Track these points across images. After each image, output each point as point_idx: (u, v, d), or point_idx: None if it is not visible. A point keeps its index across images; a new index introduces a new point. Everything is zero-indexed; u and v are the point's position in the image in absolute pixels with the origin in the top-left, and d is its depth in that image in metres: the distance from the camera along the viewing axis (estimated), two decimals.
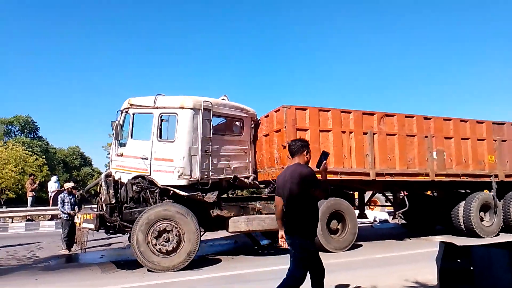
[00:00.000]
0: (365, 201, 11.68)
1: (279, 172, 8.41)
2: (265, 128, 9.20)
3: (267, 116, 9.22)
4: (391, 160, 9.37)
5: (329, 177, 8.64)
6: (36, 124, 53.36)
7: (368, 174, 9.07)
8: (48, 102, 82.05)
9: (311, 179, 3.86)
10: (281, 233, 4.08)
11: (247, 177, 8.87)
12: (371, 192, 11.85)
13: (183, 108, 7.82)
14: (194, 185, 7.80)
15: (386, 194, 11.63)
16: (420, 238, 10.74)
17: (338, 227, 8.96)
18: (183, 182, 7.67)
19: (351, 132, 9.04)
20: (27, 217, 16.88)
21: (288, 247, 4.02)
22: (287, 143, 8.20)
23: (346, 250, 8.76)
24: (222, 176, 8.32)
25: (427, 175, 9.68)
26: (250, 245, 9.80)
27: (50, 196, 18.85)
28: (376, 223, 14.97)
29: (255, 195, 9.84)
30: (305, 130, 8.59)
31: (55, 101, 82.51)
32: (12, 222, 16.37)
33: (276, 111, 8.82)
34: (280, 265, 7.66)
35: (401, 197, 10.65)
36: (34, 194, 18.62)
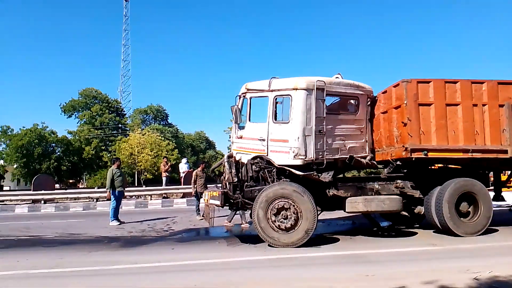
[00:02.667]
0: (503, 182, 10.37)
1: (399, 152, 8.02)
2: (383, 105, 8.74)
3: (385, 92, 8.73)
4: None
5: (458, 155, 7.95)
6: (166, 112, 59.43)
7: (505, 152, 8.01)
8: (175, 91, 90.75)
9: None
10: None
11: (364, 157, 8.60)
12: (510, 171, 10.47)
13: (296, 89, 7.88)
14: (310, 165, 7.87)
15: None
16: None
17: (469, 210, 8.15)
18: (298, 162, 7.79)
19: (484, 105, 8.04)
20: (163, 195, 19.10)
21: None
22: (408, 119, 7.79)
23: (478, 235, 7.95)
24: (337, 156, 8.22)
25: None
26: (369, 226, 9.55)
27: (181, 176, 21.00)
28: None
29: (373, 175, 9.49)
30: (429, 105, 7.93)
31: (181, 90, 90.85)
32: (151, 199, 18.70)
33: (394, 86, 8.30)
34: (402, 247, 7.44)
35: None
36: (167, 174, 20.94)
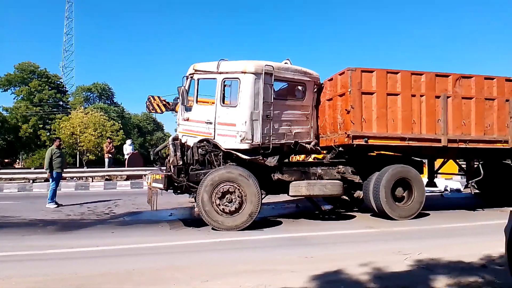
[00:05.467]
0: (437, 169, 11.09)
1: (342, 138, 8.28)
2: (329, 92, 8.94)
3: (331, 79, 8.93)
4: (466, 126, 8.70)
5: (396, 143, 8.35)
6: (112, 91, 56.91)
7: (439, 141, 8.54)
8: (122, 69, 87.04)
9: None
10: None
11: (309, 143, 8.80)
12: (443, 159, 11.21)
13: (245, 73, 7.83)
14: (256, 149, 7.92)
15: (459, 162, 10.94)
16: (495, 209, 10.03)
17: (404, 194, 8.65)
18: (245, 146, 7.81)
19: (422, 96, 8.48)
20: (106, 177, 18.42)
21: None
22: (351, 107, 8.03)
23: (411, 219, 8.48)
24: (283, 141, 8.34)
25: (506, 142, 8.89)
26: (312, 209, 9.84)
27: (125, 158, 20.33)
28: (447, 192, 14.22)
29: (316, 161, 9.75)
30: (371, 93, 8.21)
31: (129, 68, 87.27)
32: (92, 181, 17.97)
33: (340, 74, 8.51)
34: (342, 229, 7.75)
35: (475, 165, 9.93)
36: (111, 156, 20.17)
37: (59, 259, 5.63)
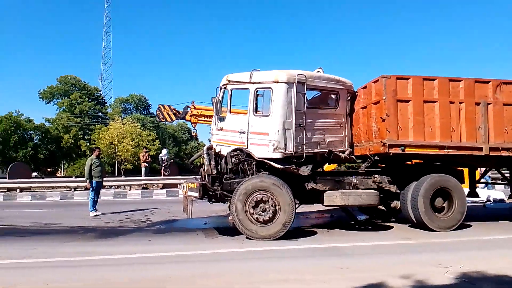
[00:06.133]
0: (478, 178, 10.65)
1: (377, 147, 8.12)
2: (363, 100, 8.81)
3: (365, 87, 8.80)
4: (508, 133, 8.32)
5: (434, 151, 8.09)
6: (148, 101, 58.51)
7: (480, 149, 8.19)
8: (158, 80, 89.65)
9: None
10: None
11: (343, 151, 8.69)
12: (485, 169, 10.74)
13: (277, 82, 7.86)
14: (289, 158, 7.89)
15: (502, 171, 10.45)
16: None
17: (444, 205, 8.33)
18: (277, 155, 7.81)
19: (460, 103, 8.18)
20: (142, 186, 18.91)
21: None
22: (386, 115, 7.88)
23: (452, 230, 8.14)
24: (316, 150, 8.27)
25: None
26: (347, 220, 9.68)
27: (161, 167, 20.80)
28: (489, 202, 13.58)
29: (351, 170, 9.60)
30: (407, 101, 8.02)
31: (165, 80, 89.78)
32: (130, 189, 18.48)
33: (374, 82, 8.37)
34: (378, 240, 7.56)
35: None
36: (147, 165, 20.70)
37: (97, 266, 5.81)
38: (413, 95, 8.07)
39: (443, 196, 8.31)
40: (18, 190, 17.94)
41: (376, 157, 8.40)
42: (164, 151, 21.59)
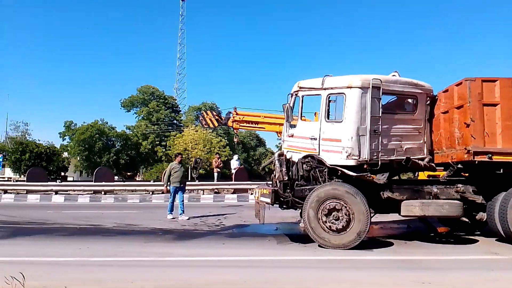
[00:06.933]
0: None
1: (461, 154, 7.57)
2: (444, 104, 8.28)
3: (446, 91, 8.27)
4: None
5: None
6: (219, 109, 60.46)
7: None
8: (228, 88, 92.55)
9: None
10: None
11: (422, 159, 8.22)
12: None
13: (350, 87, 7.70)
14: (363, 165, 7.66)
15: None
16: None
17: None
18: (351, 163, 7.62)
19: None
20: (214, 190, 19.49)
21: None
22: (471, 120, 7.34)
23: None
24: (393, 157, 7.93)
25: None
26: (425, 231, 9.14)
27: (232, 172, 21.32)
28: None
29: (431, 179, 9.06)
30: (494, 105, 7.40)
31: (235, 87, 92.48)
32: (203, 194, 19.15)
33: (457, 85, 7.84)
34: (461, 254, 7.06)
35: None
36: (219, 170, 21.34)
37: (177, 266, 6.10)
38: (501, 98, 7.42)
39: None
40: (102, 193, 19.42)
41: (459, 165, 7.84)
42: (235, 157, 22.15)
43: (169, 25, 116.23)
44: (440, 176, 8.52)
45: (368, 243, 7.62)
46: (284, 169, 8.02)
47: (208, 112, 16.73)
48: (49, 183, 20.69)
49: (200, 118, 16.55)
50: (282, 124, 15.02)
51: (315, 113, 8.27)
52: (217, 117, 16.30)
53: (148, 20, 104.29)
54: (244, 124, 15.80)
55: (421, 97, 8.24)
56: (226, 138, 44.29)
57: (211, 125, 16.67)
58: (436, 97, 8.47)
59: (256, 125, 16.00)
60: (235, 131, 18.07)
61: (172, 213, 11.61)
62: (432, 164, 8.39)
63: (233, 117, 15.28)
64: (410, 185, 8.15)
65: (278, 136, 15.02)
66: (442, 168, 8.76)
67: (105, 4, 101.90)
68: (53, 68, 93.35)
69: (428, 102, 8.36)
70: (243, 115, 15.86)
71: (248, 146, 58.55)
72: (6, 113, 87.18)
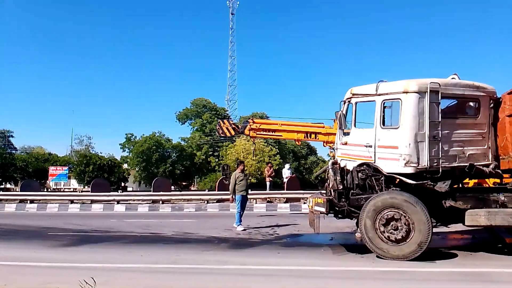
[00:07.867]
0: None
1: None
2: (509, 107, 7.75)
3: (511, 93, 7.77)
4: None
5: None
6: (269, 118, 60.72)
7: None
8: (278, 98, 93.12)
9: None
10: None
11: (487, 165, 7.74)
12: None
13: (407, 92, 7.46)
14: (423, 173, 7.36)
15: None
16: None
17: None
18: (409, 170, 7.35)
19: None
20: (267, 199, 19.57)
21: None
22: None
23: None
24: (454, 164, 7.55)
25: None
26: (492, 242, 8.57)
27: (284, 182, 21.31)
28: None
29: (497, 186, 8.50)
30: None
31: (284, 97, 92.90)
32: (256, 203, 19.29)
33: None
34: None
35: None
36: (271, 179, 21.41)
37: (235, 274, 6.22)
38: None
39: None
40: (160, 202, 20.19)
41: None
42: (287, 166, 22.14)
43: (220, 38, 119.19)
44: (508, 183, 7.96)
45: (430, 254, 7.26)
46: (338, 178, 7.91)
47: (225, 121, 17.04)
48: (111, 193, 21.93)
49: (217, 127, 16.80)
50: (299, 132, 15.05)
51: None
52: (233, 126, 16.56)
53: (200, 36, 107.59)
54: (261, 132, 15.91)
55: (483, 100, 7.80)
56: (276, 147, 44.38)
57: (228, 134, 16.92)
58: (500, 100, 7.97)
59: (273, 133, 16.09)
60: (252, 139, 18.31)
61: (241, 224, 11.25)
62: (498, 170, 7.87)
63: (250, 126, 15.49)
64: (474, 193, 7.72)
65: (324, 146, 14.88)
66: (509, 175, 8.18)
67: (158, 25, 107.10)
68: (113, 86, 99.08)
69: (492, 105, 7.89)
70: (260, 123, 16.03)
71: (299, 154, 58.21)
72: (71, 128, 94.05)
